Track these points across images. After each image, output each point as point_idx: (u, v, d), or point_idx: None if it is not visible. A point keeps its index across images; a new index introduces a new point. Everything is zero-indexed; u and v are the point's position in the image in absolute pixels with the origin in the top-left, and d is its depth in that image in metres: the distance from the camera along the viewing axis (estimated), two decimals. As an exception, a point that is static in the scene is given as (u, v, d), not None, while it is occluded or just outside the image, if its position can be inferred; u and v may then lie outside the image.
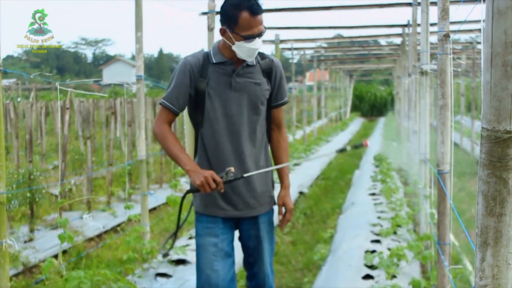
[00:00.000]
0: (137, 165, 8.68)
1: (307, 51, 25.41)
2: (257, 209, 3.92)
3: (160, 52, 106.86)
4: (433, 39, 8.11)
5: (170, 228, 8.83)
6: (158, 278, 5.75)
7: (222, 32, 3.74)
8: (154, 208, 10.07)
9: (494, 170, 1.72)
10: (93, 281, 5.12)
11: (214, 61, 3.82)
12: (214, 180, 3.54)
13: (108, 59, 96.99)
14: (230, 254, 3.86)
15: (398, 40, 20.39)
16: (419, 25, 7.97)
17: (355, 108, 49.13)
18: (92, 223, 8.07)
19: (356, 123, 37.18)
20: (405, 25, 14.57)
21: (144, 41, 6.88)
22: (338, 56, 30.87)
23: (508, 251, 1.79)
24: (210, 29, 8.74)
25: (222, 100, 3.80)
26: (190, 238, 7.16)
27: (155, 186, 11.68)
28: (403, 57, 16.41)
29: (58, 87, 5.92)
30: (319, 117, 30.34)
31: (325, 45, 25.81)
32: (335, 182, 13.45)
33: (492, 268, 1.79)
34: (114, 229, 8.56)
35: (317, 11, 12.64)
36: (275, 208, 4.07)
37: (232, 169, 3.64)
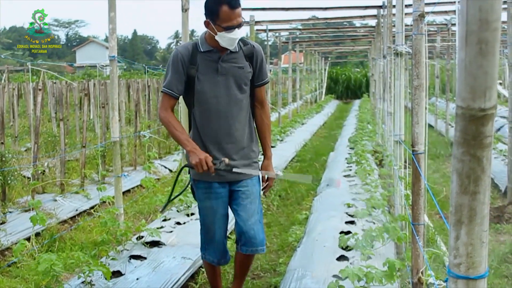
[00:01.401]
0: (111, 147, 8.61)
1: (282, 33, 25.37)
2: (242, 174, 4.50)
3: (134, 33, 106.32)
4: (408, 21, 8.12)
5: (144, 210, 8.78)
6: (132, 260, 5.71)
7: (206, 24, 4.36)
8: (128, 190, 10.02)
9: (468, 148, 1.72)
10: (66, 264, 5.07)
11: (202, 50, 4.45)
12: (207, 164, 4.25)
13: (82, 41, 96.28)
14: (224, 214, 4.67)
15: (373, 22, 20.42)
16: (394, 6, 7.97)
17: (330, 90, 49.17)
18: (66, 205, 8.02)
19: (331, 106, 37.24)
20: (380, 7, 14.60)
21: (118, 22, 6.82)
22: (313, 38, 30.86)
23: (482, 229, 1.79)
24: (185, 9, 8.67)
25: (210, 83, 4.45)
26: (164, 220, 7.13)
27: (129, 168, 11.60)
28: (378, 39, 16.45)
29: (30, 67, 5.86)
30: (294, 100, 30.33)
31: (300, 26, 25.77)
32: (310, 164, 13.45)
33: (467, 246, 1.79)
34: (87, 212, 8.50)
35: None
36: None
37: (227, 160, 4.37)
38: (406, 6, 6.65)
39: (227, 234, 4.88)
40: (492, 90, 1.66)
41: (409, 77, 6.70)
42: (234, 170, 4.38)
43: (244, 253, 4.68)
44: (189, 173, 4.74)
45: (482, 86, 1.66)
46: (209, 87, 4.44)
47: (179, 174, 4.79)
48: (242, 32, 4.39)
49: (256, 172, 4.60)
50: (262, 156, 4.85)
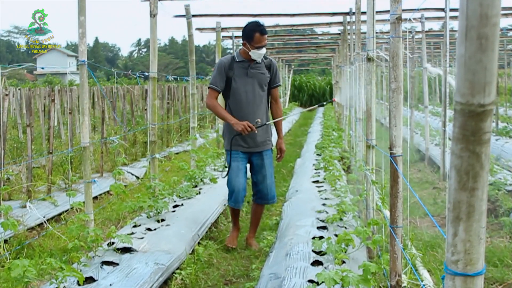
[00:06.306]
0: (79, 153, 8.48)
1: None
2: (260, 147, 7.02)
3: (96, 41, 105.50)
4: (377, 27, 8.15)
5: (113, 217, 8.70)
6: (105, 266, 5.61)
7: (244, 44, 6.78)
8: (96, 197, 9.87)
9: (467, 144, 1.71)
10: (38, 270, 4.98)
11: (237, 60, 6.90)
12: (250, 126, 6.61)
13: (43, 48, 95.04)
14: (245, 172, 7.06)
15: (336, 29, 20.48)
16: (363, 12, 8.00)
17: (294, 98, 49.35)
18: (33, 212, 7.89)
19: (295, 113, 37.30)
20: (347, 13, 14.66)
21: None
22: (276, 45, 30.92)
23: (480, 225, 1.78)
24: (153, 15, 8.64)
25: (242, 82, 6.87)
26: (134, 226, 7.03)
27: (96, 175, 11.43)
28: (344, 46, 16.51)
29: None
30: (258, 107, 30.33)
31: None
32: (277, 171, 13.40)
33: (464, 243, 1.79)
34: (55, 218, 8.38)
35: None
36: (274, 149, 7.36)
37: (259, 120, 6.77)
38: (376, 12, 6.65)
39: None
40: (491, 85, 1.66)
41: (376, 82, 6.66)
42: (267, 123, 6.93)
43: (259, 203, 7.32)
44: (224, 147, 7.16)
45: (481, 82, 1.66)
46: (241, 85, 6.86)
47: (231, 144, 6.90)
48: (265, 50, 6.76)
49: (276, 120, 7.27)
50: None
